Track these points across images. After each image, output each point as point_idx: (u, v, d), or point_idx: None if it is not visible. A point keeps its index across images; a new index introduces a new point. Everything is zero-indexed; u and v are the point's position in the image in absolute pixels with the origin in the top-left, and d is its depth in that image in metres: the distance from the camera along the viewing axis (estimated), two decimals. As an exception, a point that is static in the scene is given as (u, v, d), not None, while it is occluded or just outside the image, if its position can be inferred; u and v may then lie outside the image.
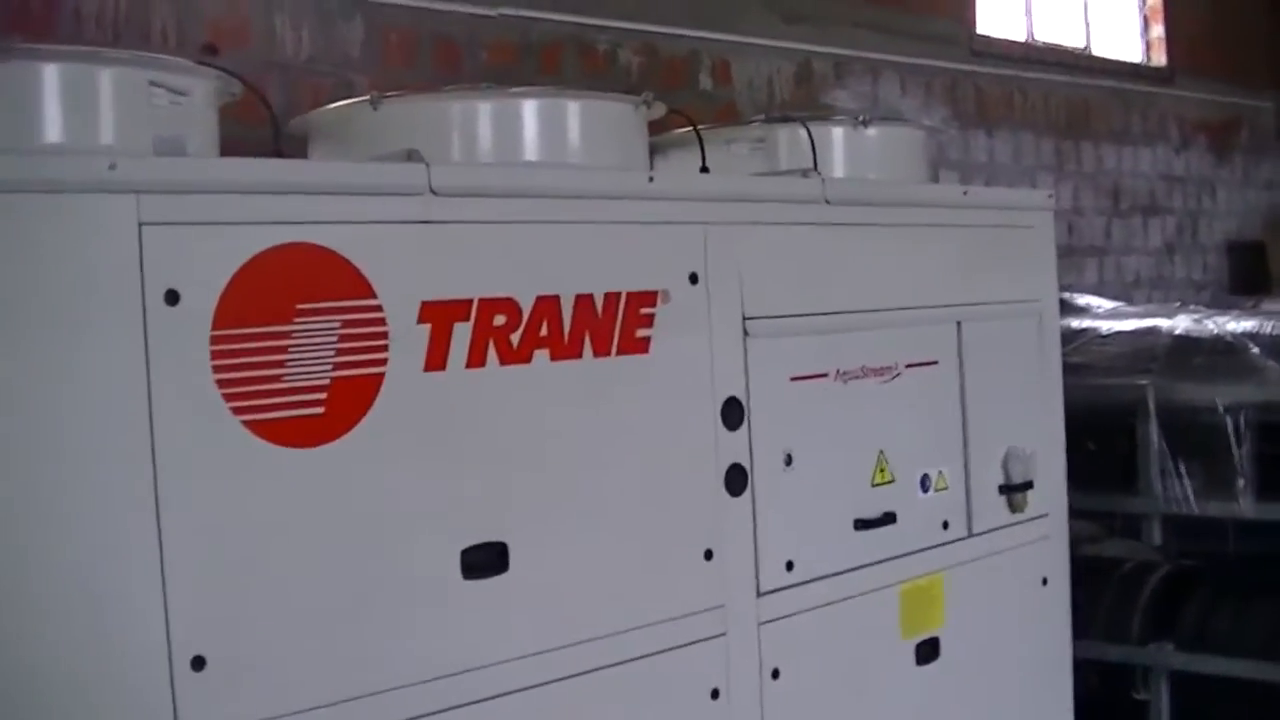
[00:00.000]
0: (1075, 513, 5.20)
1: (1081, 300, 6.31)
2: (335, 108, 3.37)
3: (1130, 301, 7.45)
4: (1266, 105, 10.50)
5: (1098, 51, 8.73)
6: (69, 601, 2.41)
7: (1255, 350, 4.90)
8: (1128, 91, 8.85)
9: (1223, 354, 5.03)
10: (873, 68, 6.58)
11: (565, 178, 3.12)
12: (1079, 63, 8.44)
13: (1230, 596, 5.04)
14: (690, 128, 3.77)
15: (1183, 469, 4.93)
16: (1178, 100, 9.34)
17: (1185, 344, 5.19)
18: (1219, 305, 6.86)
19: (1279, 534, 5.48)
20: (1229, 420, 4.80)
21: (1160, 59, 9.28)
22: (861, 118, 4.06)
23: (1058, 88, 8.15)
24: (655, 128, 3.85)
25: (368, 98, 3.21)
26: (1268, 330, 5.00)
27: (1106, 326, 5.46)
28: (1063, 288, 7.25)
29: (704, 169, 3.62)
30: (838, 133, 4.08)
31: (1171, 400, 4.94)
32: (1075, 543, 5.49)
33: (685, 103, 4.66)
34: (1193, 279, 9.35)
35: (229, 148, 3.03)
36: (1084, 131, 8.39)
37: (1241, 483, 4.80)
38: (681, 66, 5.52)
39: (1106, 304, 6.26)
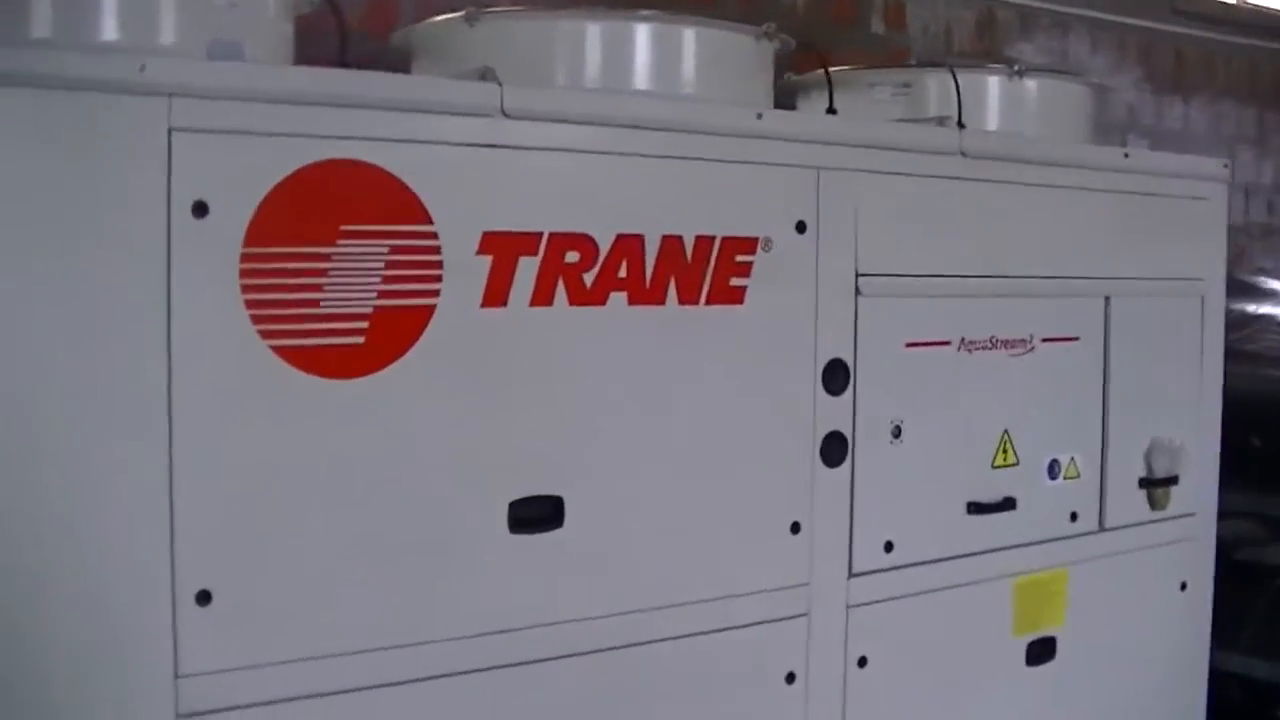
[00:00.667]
0: (1234, 513, 4.87)
1: (1272, 285, 5.88)
2: (431, 22, 3.13)
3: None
4: None
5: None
6: (69, 516, 2.27)
7: None
8: (1347, 64, 8.34)
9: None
10: (1062, 21, 6.19)
11: (654, 108, 2.85)
12: (1291, 29, 7.95)
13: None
14: (824, 68, 3.48)
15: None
16: (1404, 76, 8.80)
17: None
18: None
19: None
20: None
21: (1387, 34, 8.75)
22: (1017, 68, 3.73)
23: (1265, 54, 7.67)
24: (806, 68, 3.65)
25: (463, 13, 2.97)
26: None
27: (1284, 314, 5.06)
28: (1258, 271, 6.89)
29: (831, 110, 3.33)
30: (992, 82, 3.75)
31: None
32: (1234, 545, 5.15)
33: (855, 46, 4.38)
34: (1401, 270, 8.83)
35: (314, 61, 2.82)
36: (1293, 104, 7.92)
37: None
38: (851, 7, 5.19)
39: (1294, 290, 5.82)
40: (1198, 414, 3.95)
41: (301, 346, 2.40)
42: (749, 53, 3.19)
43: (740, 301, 2.90)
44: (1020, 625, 3.53)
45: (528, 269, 2.62)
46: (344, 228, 2.43)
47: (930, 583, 3.30)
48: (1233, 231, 7.22)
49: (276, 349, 2.38)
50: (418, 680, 2.56)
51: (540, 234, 2.63)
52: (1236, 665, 4.71)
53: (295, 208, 2.38)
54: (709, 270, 2.85)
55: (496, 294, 2.59)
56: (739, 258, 2.89)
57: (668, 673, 2.88)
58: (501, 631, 2.65)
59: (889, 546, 3.20)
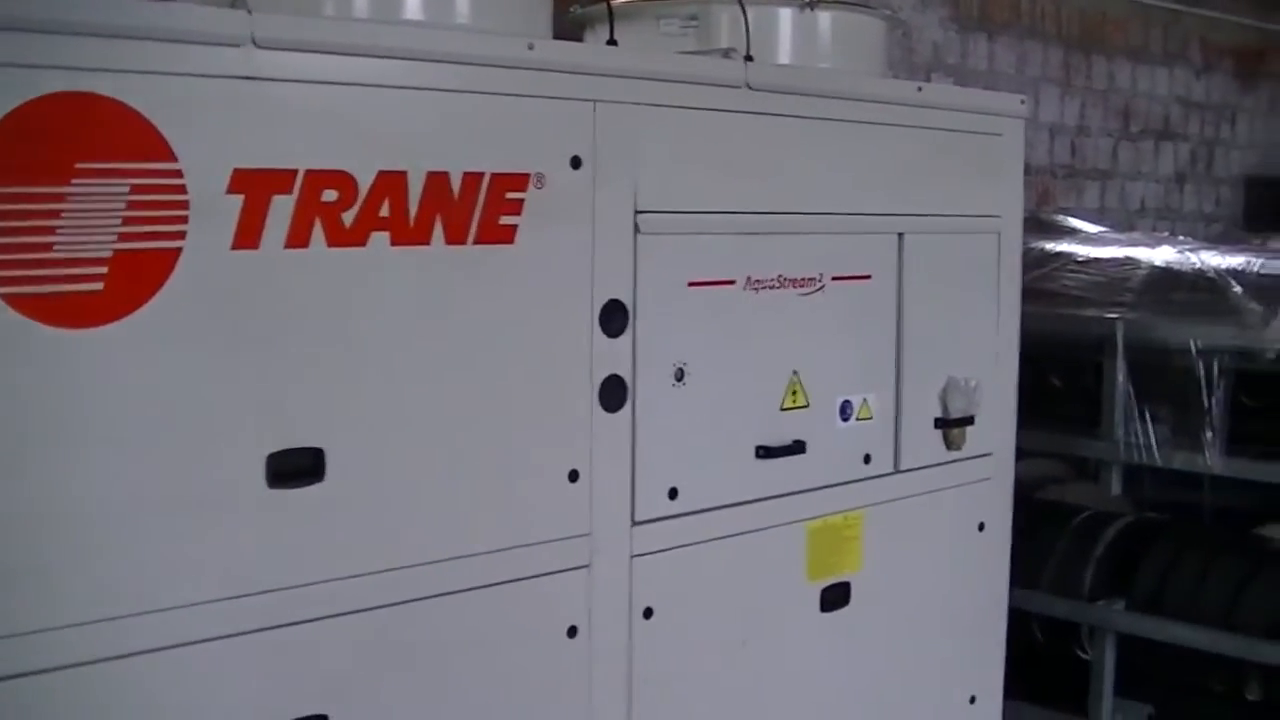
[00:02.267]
0: (1035, 453, 4.86)
1: (1072, 223, 5.88)
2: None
3: (1133, 230, 7.03)
4: (1302, 34, 10.05)
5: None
6: None
7: (1238, 289, 4.45)
8: (1150, 7, 8.38)
9: (1204, 291, 4.58)
10: (865, -43, 6.12)
11: (416, 38, 2.69)
12: (1098, -29, 7.98)
13: (1193, 555, 4.66)
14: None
15: (1147, 414, 4.51)
16: (1205, 21, 8.87)
17: (1164, 277, 4.74)
18: (1227, 241, 6.46)
19: (1252, 491, 5.13)
20: (1202, 365, 4.38)
21: (1188, -25, 8.83)
22: (810, 0, 3.63)
23: (1071, -5, 7.71)
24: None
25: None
26: (1255, 268, 4.56)
27: (1083, 252, 5.02)
28: (1060, 210, 6.92)
29: (611, 41, 3.21)
30: (784, 14, 3.65)
31: (1143, 339, 4.50)
32: (1036, 484, 5.16)
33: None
34: (1203, 211, 8.94)
35: None
36: (1097, 45, 7.95)
37: (1210, 434, 4.39)
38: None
39: (1097, 229, 5.82)
40: (995, 353, 3.90)
41: (34, 294, 2.21)
42: (526, -18, 3.06)
43: (511, 241, 2.76)
44: (814, 571, 3.45)
45: (282, 208, 2.46)
46: (79, 165, 2.25)
47: (718, 530, 3.20)
48: (1037, 172, 7.30)
49: (6, 297, 2.20)
50: (174, 647, 2.40)
51: (295, 171, 2.47)
52: (1037, 604, 4.70)
53: (23, 145, 2.19)
54: (478, 208, 2.71)
55: (248, 235, 2.43)
56: (509, 195, 2.75)
57: (441, 631, 2.75)
58: (263, 592, 2.50)
59: (674, 493, 3.10)
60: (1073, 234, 5.56)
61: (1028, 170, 6.29)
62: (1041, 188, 7.32)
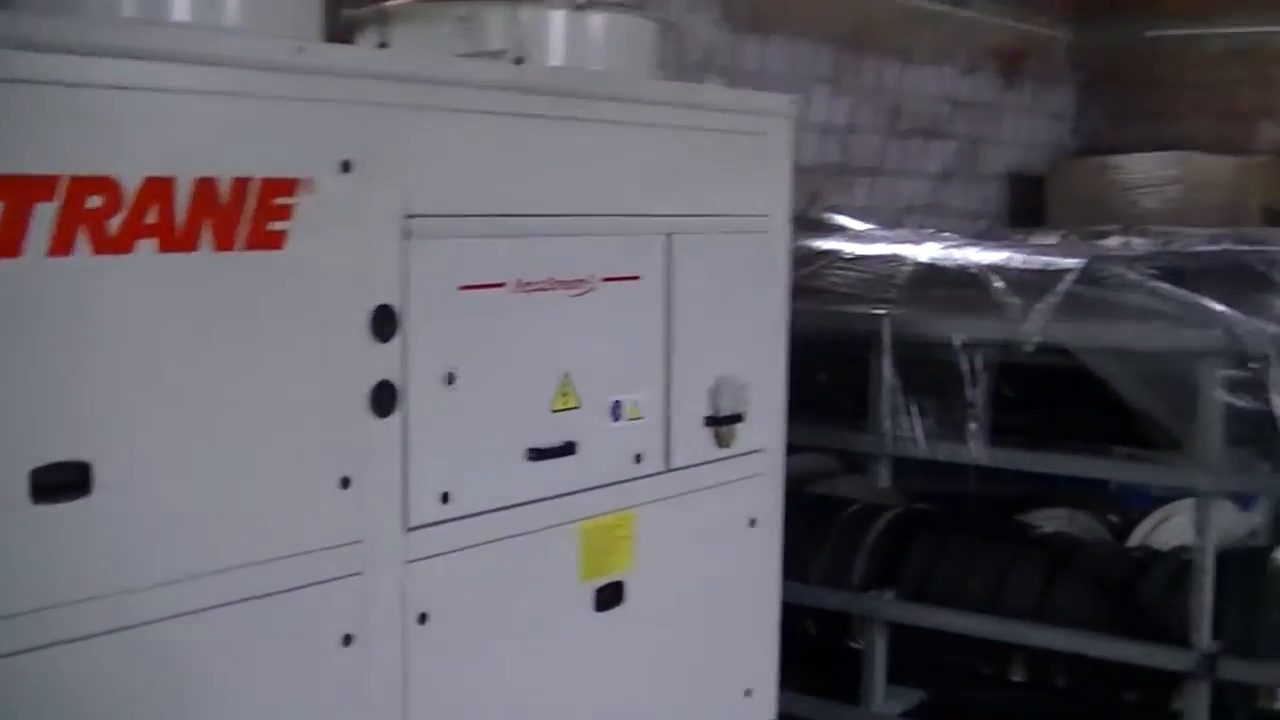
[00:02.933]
0: (805, 448, 4.95)
1: (840, 221, 5.99)
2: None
3: (901, 227, 7.18)
4: (1060, 35, 10.33)
5: (890, -38, 8.45)
6: None
7: (1000, 284, 4.58)
8: (917, 8, 8.57)
9: (966, 287, 4.71)
10: (636, -42, 6.17)
11: (183, 39, 2.65)
12: (866, -29, 8.13)
13: (959, 544, 4.80)
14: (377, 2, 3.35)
15: (914, 408, 4.62)
16: (970, 22, 9.09)
17: (928, 274, 4.87)
18: (992, 237, 6.63)
19: (1015, 480, 5.28)
20: (965, 359, 4.50)
21: (957, -23, 9.04)
22: (581, 1, 3.66)
23: (841, -4, 7.85)
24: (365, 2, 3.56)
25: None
26: (1016, 264, 4.70)
27: (850, 250, 5.12)
28: (830, 208, 7.03)
29: (382, 44, 3.20)
30: (555, 16, 3.66)
31: (908, 333, 4.61)
32: (807, 479, 5.25)
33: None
34: (969, 208, 9.17)
35: None
36: (867, 46, 8.11)
37: (974, 426, 4.51)
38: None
39: (866, 226, 5.94)
40: (764, 351, 3.96)
41: None
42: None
43: (281, 246, 2.73)
44: (587, 571, 3.47)
45: (44, 216, 2.39)
46: None
47: (492, 533, 3.21)
48: (808, 170, 7.41)
49: None
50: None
51: (58, 177, 2.41)
52: (809, 597, 4.79)
53: None
54: (246, 214, 2.67)
55: (9, 244, 2.35)
56: (279, 200, 2.72)
57: (214, 644, 2.70)
58: (24, 613, 2.43)
59: (446, 497, 3.10)
60: (841, 232, 5.67)
61: (798, 169, 6.40)
62: (812, 186, 7.44)
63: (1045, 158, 10.06)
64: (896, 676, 4.87)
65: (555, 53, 3.65)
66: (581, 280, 3.36)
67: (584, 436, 3.39)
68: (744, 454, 3.88)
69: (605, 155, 3.44)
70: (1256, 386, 4.13)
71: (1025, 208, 9.63)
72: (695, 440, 3.74)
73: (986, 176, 9.39)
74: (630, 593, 3.58)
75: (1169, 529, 5.20)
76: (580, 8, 3.66)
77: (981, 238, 6.13)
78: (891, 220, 7.60)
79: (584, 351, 3.39)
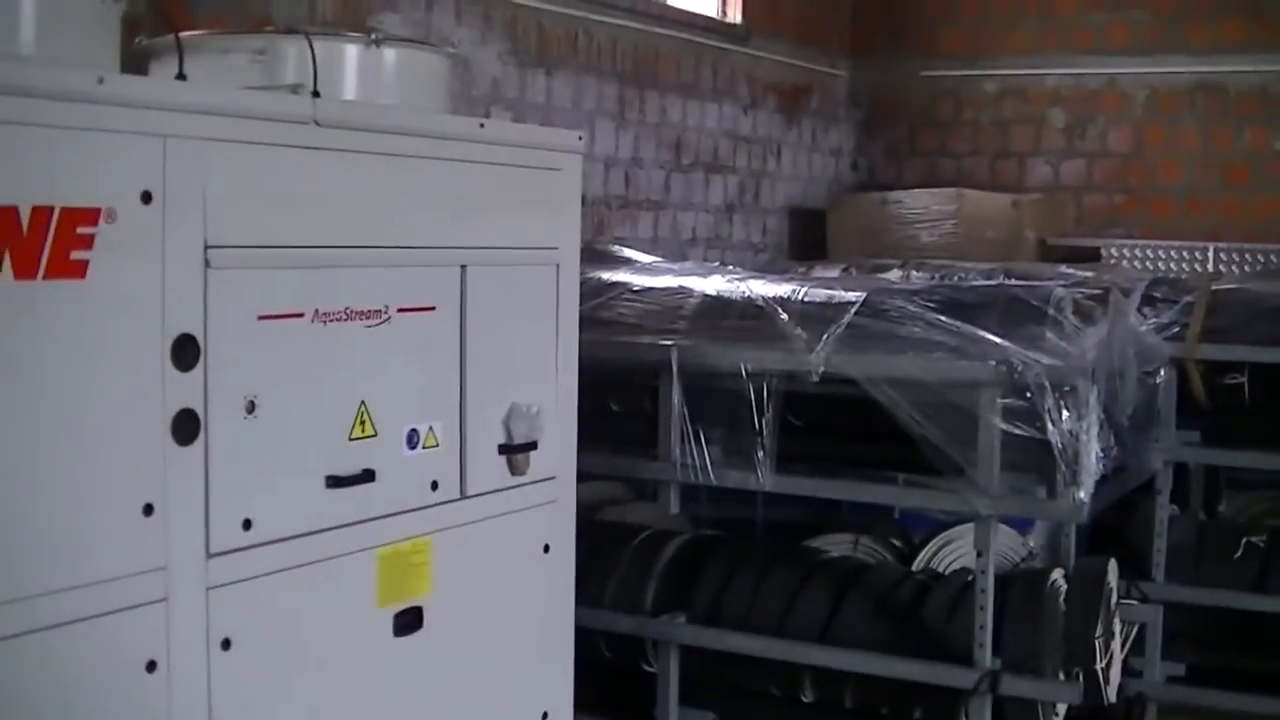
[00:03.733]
0: (597, 476, 5.04)
1: (627, 253, 6.10)
2: None
3: (685, 259, 7.32)
4: (839, 73, 10.64)
5: (672, 1, 8.61)
6: None
7: (784, 316, 4.72)
8: (700, 45, 8.77)
9: (752, 318, 4.84)
10: (426, -7, 6.26)
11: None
12: (651, 10, 8.30)
13: (748, 568, 4.92)
14: (174, 32, 3.37)
15: (703, 436, 4.74)
16: (751, 59, 9.33)
17: (715, 305, 4.99)
18: (774, 270, 6.80)
19: (802, 506, 5.44)
20: (752, 388, 4.63)
21: (736, 16, 9.24)
22: (375, 36, 3.72)
23: (626, 33, 7.99)
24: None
25: None
26: (799, 296, 4.84)
27: (639, 282, 5.23)
28: (614, 240, 7.15)
29: (180, 76, 3.22)
30: (349, 51, 3.73)
31: (696, 364, 4.73)
32: (598, 506, 5.35)
33: (218, 10, 4.28)
34: (751, 241, 9.37)
35: None
36: (650, 81, 8.27)
37: (761, 454, 4.64)
38: (211, -31, 5.07)
39: (651, 259, 6.06)
40: (555, 380, 4.04)
41: None
42: (92, 13, 3.07)
43: (82, 275, 2.74)
44: (385, 596, 3.52)
45: None
46: None
47: (292, 559, 3.24)
48: (593, 203, 7.54)
49: None
50: None
51: None
52: (603, 621, 4.88)
53: None
54: (48, 243, 2.68)
55: None
56: (80, 229, 2.73)
57: (17, 672, 2.69)
58: None
59: (248, 524, 3.12)
60: (628, 264, 5.77)
61: (584, 201, 6.51)
62: (597, 218, 7.57)
63: (825, 192, 10.32)
64: (689, 698, 4.96)
65: (349, 87, 3.71)
66: (378, 311, 3.41)
67: (382, 464, 3.44)
68: (537, 481, 3.95)
69: (400, 188, 3.50)
70: (1032, 415, 4.31)
71: (806, 240, 9.86)
72: (490, 468, 3.80)
73: (768, 210, 9.60)
74: (428, 618, 3.62)
75: (951, 552, 5.37)
76: (373, 43, 3.72)
77: (765, 270, 6.28)
78: (676, 252, 7.75)
79: (381, 381, 3.44)
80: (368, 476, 3.40)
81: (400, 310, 3.47)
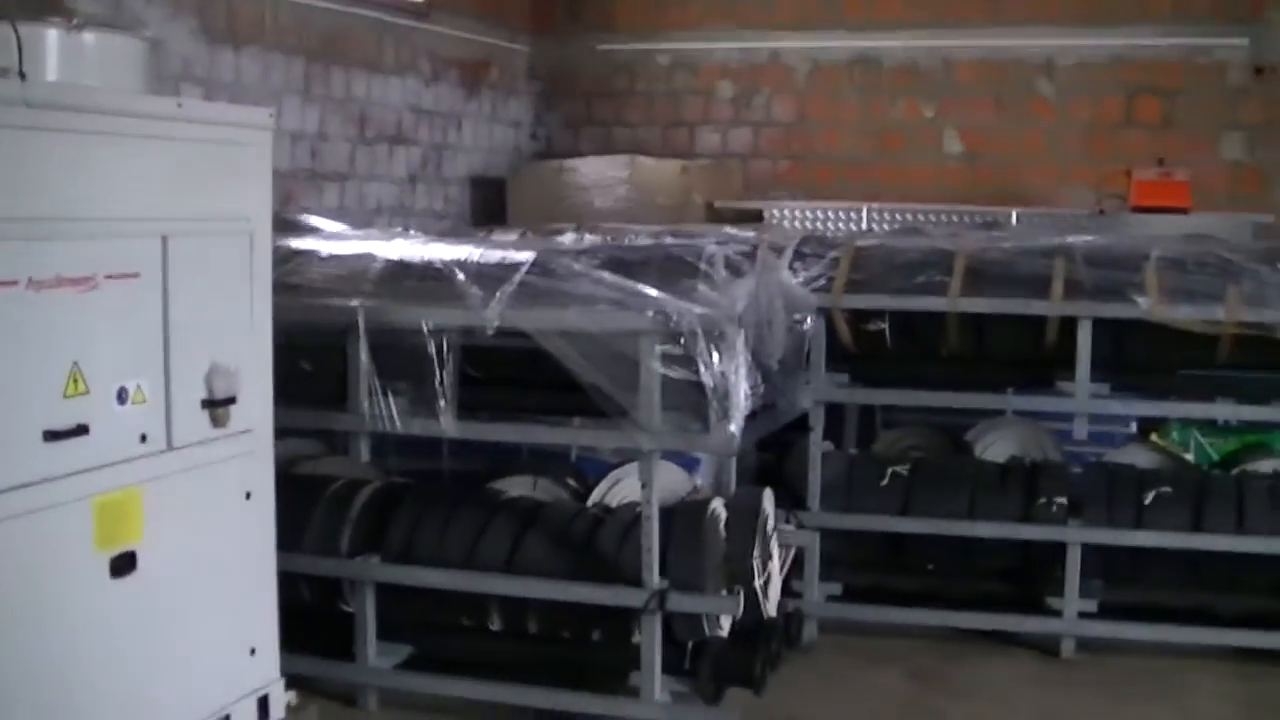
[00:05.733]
0: (291, 431, 5.35)
1: (315, 222, 6.41)
2: None
3: (371, 228, 7.60)
4: (519, 48, 10.97)
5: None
6: None
7: (461, 277, 5.11)
8: (383, 22, 9.01)
9: (432, 279, 5.23)
10: (105, -27, 6.43)
11: None
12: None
13: (436, 510, 5.28)
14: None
15: (390, 389, 5.11)
16: (432, 35, 9.59)
17: (398, 269, 5.36)
18: (456, 235, 7.10)
19: (485, 453, 5.82)
20: (433, 343, 5.02)
21: (417, -7, 9.50)
22: (76, 21, 3.97)
23: (313, 12, 8.21)
24: None
25: None
26: (474, 259, 5.23)
27: (326, 249, 5.57)
28: (301, 210, 7.41)
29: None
30: (52, 35, 3.96)
31: (381, 322, 5.11)
32: (294, 460, 5.66)
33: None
34: (434, 209, 9.64)
35: None
36: (336, 58, 8.50)
37: (443, 403, 5.02)
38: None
39: (338, 227, 6.37)
40: (252, 340, 4.35)
41: None
42: None
43: None
44: (102, 542, 3.80)
45: None
46: None
47: (10, 510, 3.51)
48: (282, 175, 7.78)
49: None
50: None
51: None
52: (303, 566, 5.19)
53: None
54: None
55: None
56: None
57: None
58: None
59: (-30, 476, 3.39)
60: (316, 232, 6.09)
61: (273, 174, 6.77)
62: (285, 190, 7.78)
63: (506, 162, 10.64)
64: (387, 634, 5.35)
65: (51, 68, 3.95)
66: (87, 278, 3.69)
67: (94, 419, 3.73)
68: (237, 433, 4.27)
69: (105, 164, 3.77)
70: (687, 360, 4.76)
71: (487, 209, 10.17)
72: (194, 421, 4.11)
73: (450, 180, 9.87)
74: (142, 560, 3.92)
75: (622, 489, 5.73)
76: (75, 27, 3.97)
77: (448, 236, 6.59)
78: (362, 221, 8.00)
79: (92, 342, 3.73)
80: (81, 430, 3.69)
81: (108, 277, 3.76)
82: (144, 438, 3.93)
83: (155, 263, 3.95)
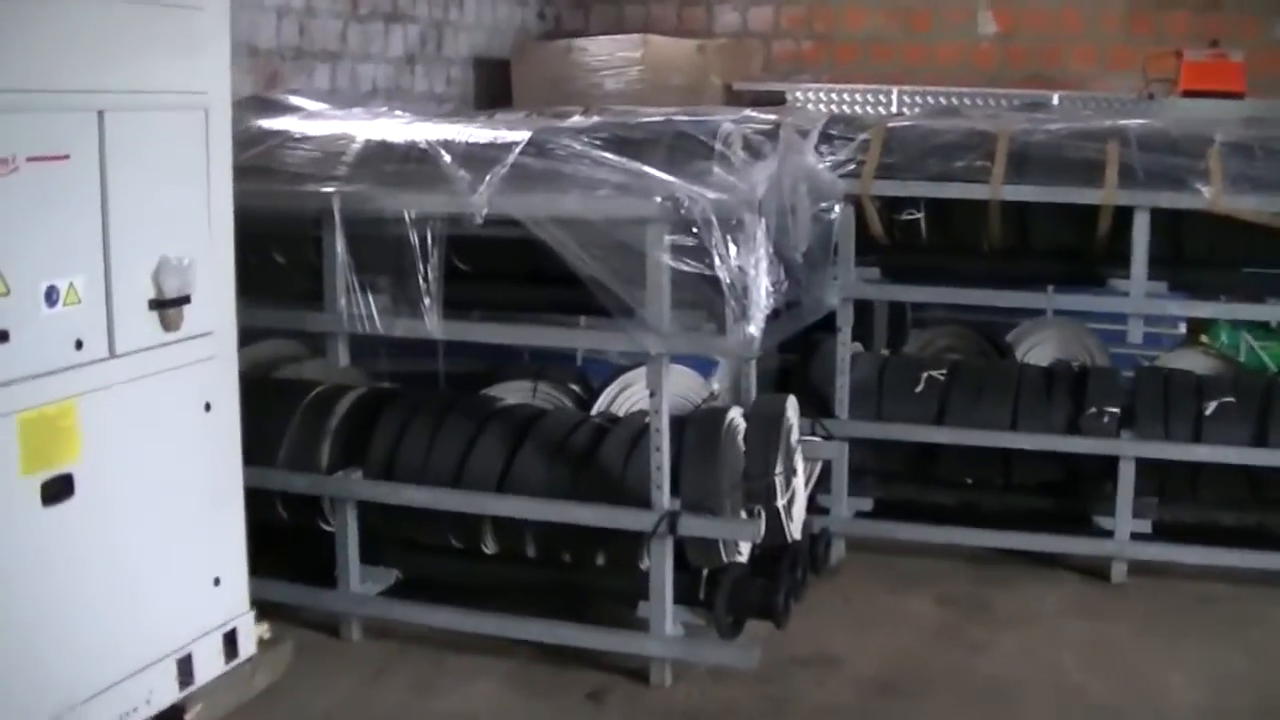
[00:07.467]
0: (266, 331, 4.88)
1: (295, 101, 5.86)
2: None
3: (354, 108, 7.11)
4: (517, -80, 10.45)
5: None
6: None
7: (448, 159, 4.54)
8: (374, -113, 8.50)
9: (416, 162, 4.64)
10: None
11: None
12: None
13: (423, 420, 4.80)
14: None
15: (369, 286, 4.56)
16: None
17: (378, 150, 4.77)
18: (453, 117, 6.62)
19: (481, 355, 5.34)
20: (416, 233, 4.46)
21: None
22: None
23: None
24: None
25: None
26: (463, 138, 4.68)
27: (300, 129, 5.01)
28: (288, 92, 6.91)
29: None
30: None
31: (359, 210, 4.52)
32: (272, 364, 5.19)
33: None
34: (435, 92, 9.17)
35: None
36: (323, -75, 7.99)
37: (428, 301, 4.49)
38: None
39: (319, 107, 5.83)
40: (209, 231, 3.89)
41: None
42: None
43: None
44: (30, 464, 3.36)
45: None
46: None
47: (-81, 428, 3.06)
48: (266, 54, 7.27)
49: None
50: None
51: None
52: (277, 482, 4.74)
53: None
54: None
55: None
56: None
57: None
58: None
59: None
60: (295, 111, 5.55)
61: (255, 52, 6.27)
62: (270, 69, 7.30)
63: (510, 41, 10.14)
64: (370, 557, 4.87)
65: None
66: (4, 160, 3.21)
67: (16, 324, 3.28)
68: (194, 337, 3.83)
69: (24, 26, 3.28)
70: (700, 251, 4.24)
71: (491, 91, 9.70)
72: (140, 324, 3.66)
73: (451, 60, 9.39)
74: (81, 485, 3.49)
75: (630, 395, 5.32)
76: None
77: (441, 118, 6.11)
78: (351, 102, 7.53)
79: (11, 235, 3.26)
80: (2, 337, 3.24)
81: (30, 159, 3.29)
82: (79, 344, 3.48)
83: (90, 142, 3.48)
